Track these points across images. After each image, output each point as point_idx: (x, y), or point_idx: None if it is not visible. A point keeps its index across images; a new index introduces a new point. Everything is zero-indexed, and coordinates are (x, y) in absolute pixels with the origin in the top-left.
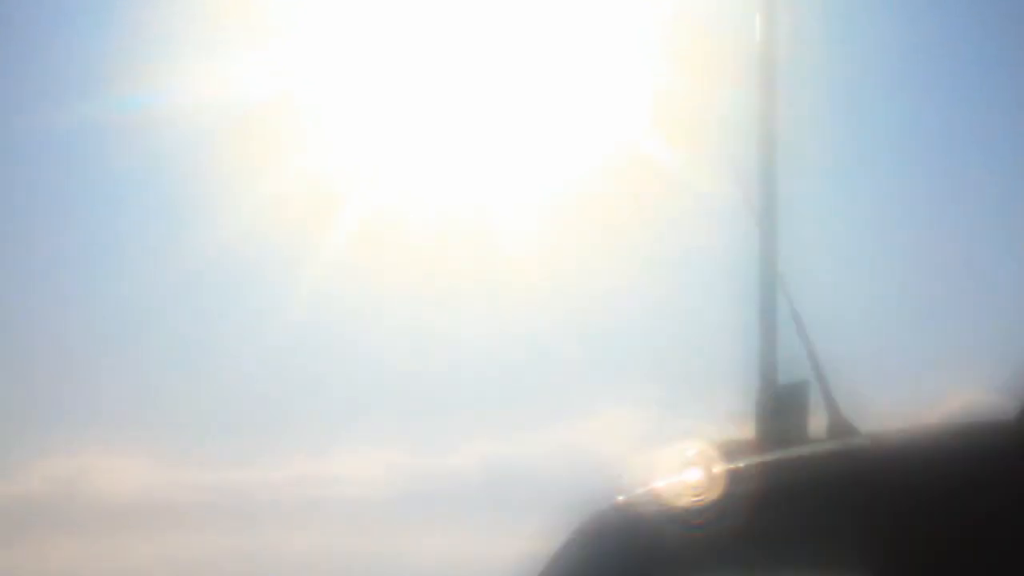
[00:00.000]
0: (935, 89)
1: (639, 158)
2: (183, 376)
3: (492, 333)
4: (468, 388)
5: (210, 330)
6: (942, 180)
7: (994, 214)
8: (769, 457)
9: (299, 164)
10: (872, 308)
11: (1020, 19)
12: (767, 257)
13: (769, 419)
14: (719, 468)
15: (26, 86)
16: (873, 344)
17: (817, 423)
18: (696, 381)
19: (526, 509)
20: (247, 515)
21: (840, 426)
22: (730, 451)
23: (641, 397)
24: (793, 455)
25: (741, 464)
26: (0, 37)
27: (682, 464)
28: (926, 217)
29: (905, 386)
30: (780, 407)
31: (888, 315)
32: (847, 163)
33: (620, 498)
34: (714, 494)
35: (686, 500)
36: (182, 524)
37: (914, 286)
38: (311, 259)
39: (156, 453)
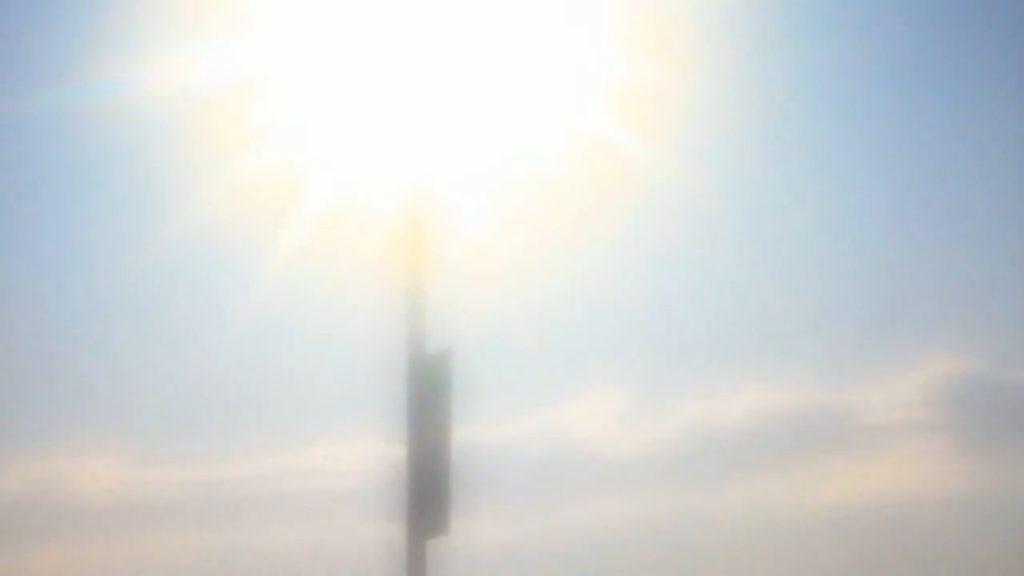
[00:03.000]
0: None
1: (602, 146)
2: (155, 373)
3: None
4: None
5: (179, 323)
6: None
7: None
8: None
9: (264, 152)
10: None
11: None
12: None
13: (417, 388)
14: None
15: None
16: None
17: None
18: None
19: (505, 492)
20: (225, 512)
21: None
22: None
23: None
24: None
25: None
26: None
27: None
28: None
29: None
30: (427, 376)
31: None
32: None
33: None
34: None
35: None
36: (159, 523)
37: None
38: (276, 248)
39: (130, 452)
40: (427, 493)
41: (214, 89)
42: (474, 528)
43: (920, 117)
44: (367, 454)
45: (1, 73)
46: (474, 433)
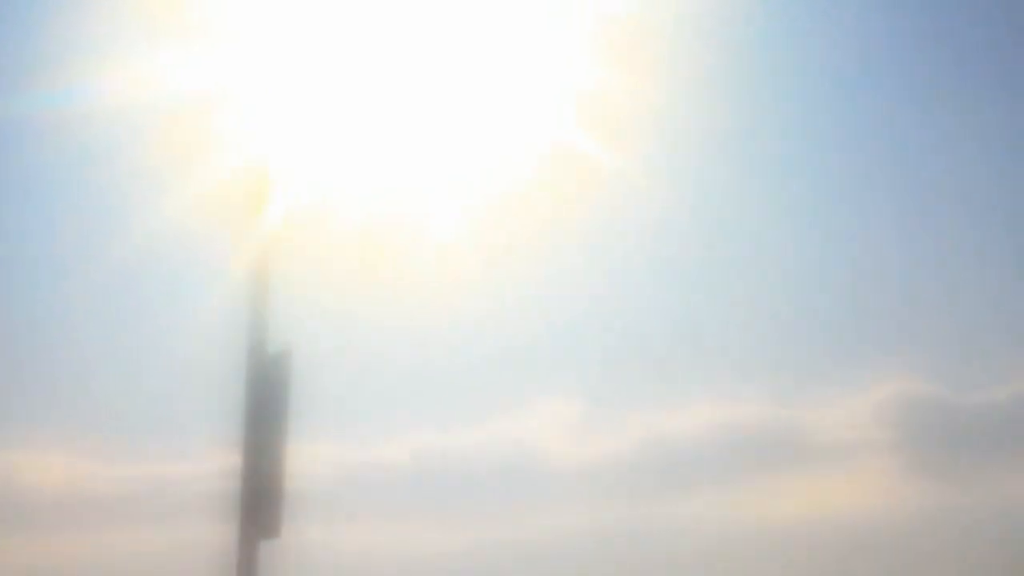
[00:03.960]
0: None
1: (567, 154)
2: (110, 370)
3: (423, 326)
4: (401, 381)
5: (134, 325)
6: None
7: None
8: None
9: (228, 158)
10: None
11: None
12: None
13: (255, 387)
14: None
15: None
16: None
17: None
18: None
19: (455, 499)
20: (177, 508)
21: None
22: None
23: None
24: None
25: None
26: None
27: None
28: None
29: None
30: (265, 377)
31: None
32: None
33: None
34: None
35: None
36: (114, 518)
37: None
38: (240, 253)
39: (84, 448)
40: (260, 495)
41: (177, 98)
42: (409, 534)
43: (887, 131)
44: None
45: None
46: (431, 439)
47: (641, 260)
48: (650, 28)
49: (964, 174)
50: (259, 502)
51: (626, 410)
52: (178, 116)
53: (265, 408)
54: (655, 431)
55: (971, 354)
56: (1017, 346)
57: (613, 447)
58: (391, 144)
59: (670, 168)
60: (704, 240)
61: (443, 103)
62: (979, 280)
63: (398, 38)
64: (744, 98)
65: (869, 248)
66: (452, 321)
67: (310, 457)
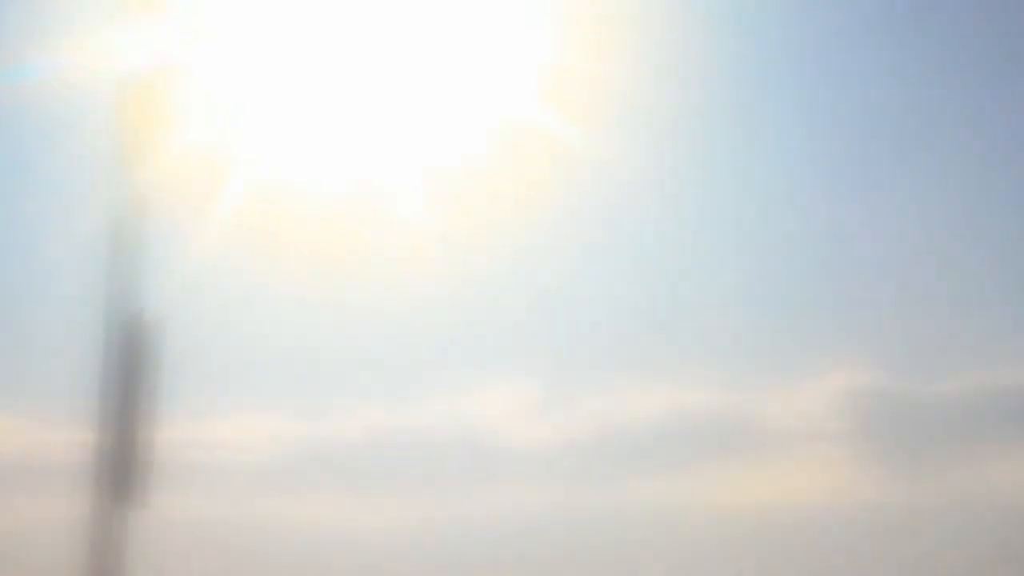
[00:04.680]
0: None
1: (530, 130)
2: (67, 336)
3: (378, 304)
4: (355, 357)
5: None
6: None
7: None
8: None
9: (187, 136)
10: None
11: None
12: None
13: (120, 356)
14: None
15: None
16: None
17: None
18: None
19: (408, 477)
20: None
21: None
22: None
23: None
24: None
25: None
26: None
27: None
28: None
29: None
30: (131, 345)
31: None
32: None
33: None
34: None
35: None
36: (59, 485)
37: None
38: (199, 232)
39: (36, 412)
40: (123, 465)
41: (133, 74)
42: (361, 509)
43: (850, 110)
44: (275, 427)
45: None
46: (384, 417)
47: (600, 242)
48: (615, 1)
49: (917, 159)
50: (122, 472)
51: (581, 394)
52: (137, 91)
53: (130, 376)
54: (609, 415)
55: (925, 345)
56: (971, 338)
57: (566, 430)
58: (349, 121)
59: (630, 148)
60: (663, 224)
61: (404, 78)
62: (933, 271)
63: (359, 13)
64: (713, 75)
65: (825, 237)
66: (408, 299)
67: (255, 430)
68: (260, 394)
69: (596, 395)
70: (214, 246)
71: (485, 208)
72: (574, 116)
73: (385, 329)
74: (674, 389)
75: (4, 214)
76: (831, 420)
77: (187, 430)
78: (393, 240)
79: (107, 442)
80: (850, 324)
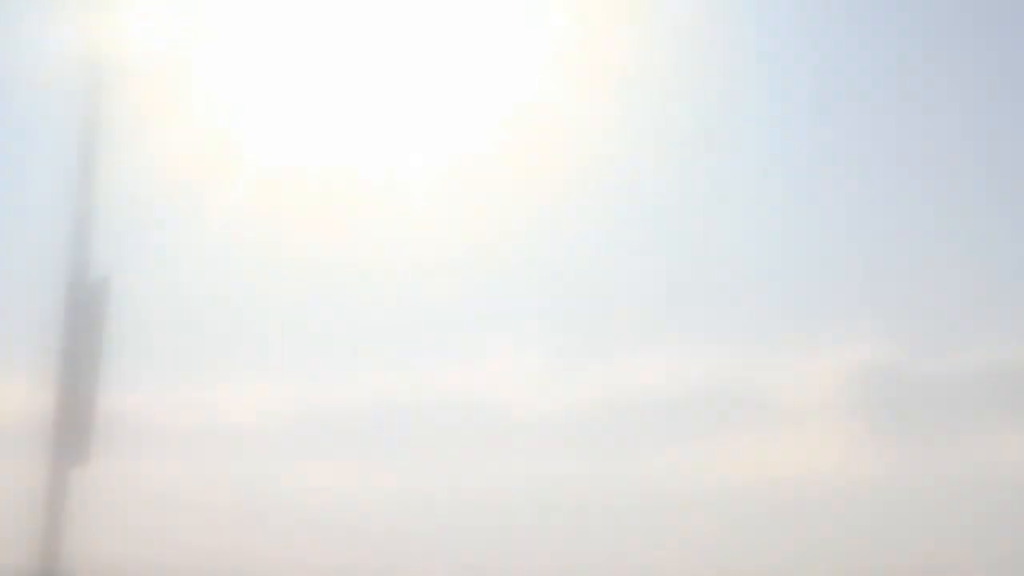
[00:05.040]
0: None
1: (539, 108)
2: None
3: (383, 273)
4: (360, 326)
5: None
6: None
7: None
8: None
9: (197, 122)
10: None
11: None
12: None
13: (70, 315)
14: None
15: None
16: None
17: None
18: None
19: (411, 447)
20: (126, 441)
21: None
22: None
23: None
24: None
25: None
26: None
27: None
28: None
29: None
30: (81, 304)
31: None
32: None
33: None
34: None
35: None
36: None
37: None
38: (212, 211)
39: (34, 374)
40: (71, 422)
41: (144, 56)
42: (362, 476)
43: (855, 88)
44: (277, 392)
45: None
46: (387, 386)
47: (605, 214)
48: None
49: (925, 138)
50: (70, 430)
51: (590, 365)
52: (147, 74)
53: (79, 334)
54: (617, 387)
55: (931, 320)
56: (977, 313)
57: (574, 402)
58: (358, 95)
59: (636, 123)
60: (669, 197)
61: (411, 57)
62: (941, 246)
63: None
64: (722, 56)
65: (833, 212)
66: (413, 268)
67: (254, 396)
68: (262, 361)
69: (605, 366)
70: (219, 222)
71: (488, 180)
72: (586, 97)
73: (390, 298)
74: (683, 361)
75: None
76: (841, 393)
77: (186, 394)
78: (397, 212)
79: (63, 404)
80: (861, 297)
